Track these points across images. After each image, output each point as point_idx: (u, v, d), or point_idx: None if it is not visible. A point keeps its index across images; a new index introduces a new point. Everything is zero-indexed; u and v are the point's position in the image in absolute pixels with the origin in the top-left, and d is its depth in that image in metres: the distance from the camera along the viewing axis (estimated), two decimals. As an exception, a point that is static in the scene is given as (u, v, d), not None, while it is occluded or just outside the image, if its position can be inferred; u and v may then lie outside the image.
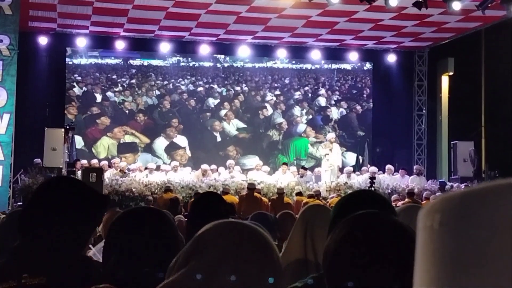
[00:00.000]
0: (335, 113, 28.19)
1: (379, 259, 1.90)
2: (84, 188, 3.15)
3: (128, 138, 25.94)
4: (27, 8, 21.26)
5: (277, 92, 28.01)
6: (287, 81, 28.12)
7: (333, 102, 28.39)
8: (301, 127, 27.87)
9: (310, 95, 28.25)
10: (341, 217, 2.16)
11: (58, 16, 22.98)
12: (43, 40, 24.70)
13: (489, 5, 19.69)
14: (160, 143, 26.24)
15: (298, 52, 27.34)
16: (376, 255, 1.91)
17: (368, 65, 28.47)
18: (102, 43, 25.73)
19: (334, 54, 27.70)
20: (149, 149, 26.04)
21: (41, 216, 2.99)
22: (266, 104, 27.84)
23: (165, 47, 25.96)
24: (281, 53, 27.02)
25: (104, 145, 25.45)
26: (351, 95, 28.41)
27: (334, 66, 28.44)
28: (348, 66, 28.51)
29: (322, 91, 28.33)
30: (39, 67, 24.64)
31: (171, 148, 26.10)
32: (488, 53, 24.82)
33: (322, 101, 28.35)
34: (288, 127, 27.76)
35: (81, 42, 25.19)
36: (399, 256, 1.86)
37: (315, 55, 27.27)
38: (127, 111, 26.21)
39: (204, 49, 26.30)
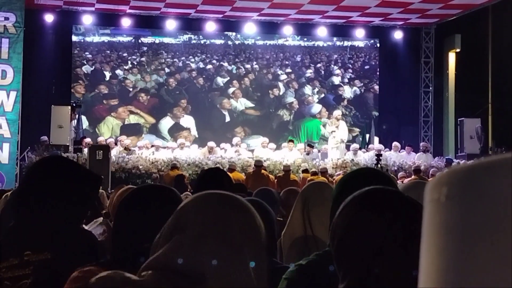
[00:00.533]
0: (348, 92, 28.02)
1: (392, 240, 1.90)
2: (76, 167, 3.18)
3: (133, 119, 25.85)
4: (33, -15, 21.25)
5: (288, 70, 27.82)
6: (298, 58, 27.94)
7: (346, 81, 28.23)
8: (314, 108, 27.58)
9: (322, 72, 28.05)
10: (344, 195, 2.15)
11: (63, -7, 22.96)
12: (49, 18, 24.66)
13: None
14: (166, 123, 26.15)
15: (304, 29, 27.25)
16: (388, 236, 1.91)
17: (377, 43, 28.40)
18: (108, 20, 25.69)
19: (341, 31, 27.61)
20: (154, 130, 25.89)
21: (36, 196, 3.02)
22: (277, 83, 27.65)
23: (171, 24, 25.90)
24: (287, 30, 26.93)
25: (108, 126, 25.39)
26: (364, 73, 28.28)
27: (346, 43, 28.26)
28: (361, 43, 28.34)
29: (335, 69, 28.12)
30: (45, 45, 24.61)
31: (175, 130, 25.90)
32: (495, 29, 24.69)
33: (335, 79, 28.16)
34: (299, 107, 27.55)
35: (87, 20, 25.15)
36: (412, 235, 1.84)
37: (321, 32, 27.18)
38: (135, 89, 26.13)
39: (210, 26, 26.23)
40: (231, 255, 1.76)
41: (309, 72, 27.94)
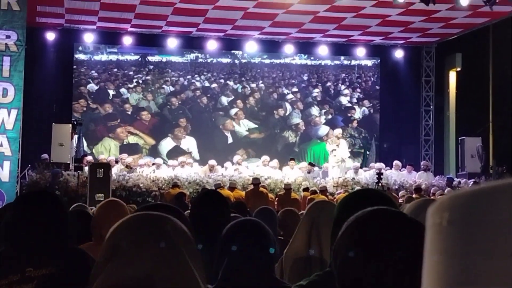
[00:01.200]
0: (357, 112, 27.85)
1: (395, 261, 1.89)
2: (57, 207, 3.34)
3: (132, 140, 25.71)
4: (35, 3, 21.30)
5: (294, 89, 27.63)
6: (305, 77, 27.78)
7: (354, 101, 28.06)
8: (321, 130, 27.15)
9: (331, 92, 27.87)
10: (345, 216, 2.15)
11: (65, 11, 23.01)
12: (50, 36, 24.74)
13: (497, 0, 19.66)
14: (166, 145, 25.93)
15: (305, 47, 27.31)
16: (392, 257, 1.90)
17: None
18: (109, 38, 25.75)
19: (342, 49, 27.66)
20: (153, 151, 25.46)
21: (22, 226, 3.19)
22: (283, 103, 27.44)
23: (172, 42, 25.96)
24: (289, 48, 26.98)
25: (106, 147, 25.14)
26: (374, 93, 28.22)
27: (353, 62, 28.19)
28: (368, 62, 28.31)
29: (343, 88, 27.92)
30: (46, 63, 24.68)
31: (175, 153, 25.24)
32: (496, 48, 24.75)
33: (343, 99, 27.91)
34: (305, 128, 27.33)
35: (89, 38, 25.22)
36: (415, 256, 1.83)
37: (322, 50, 27.24)
38: (137, 108, 26.10)
39: (212, 45, 26.29)
40: (168, 264, 1.82)
41: (316, 92, 27.76)
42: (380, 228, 1.98)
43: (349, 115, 27.74)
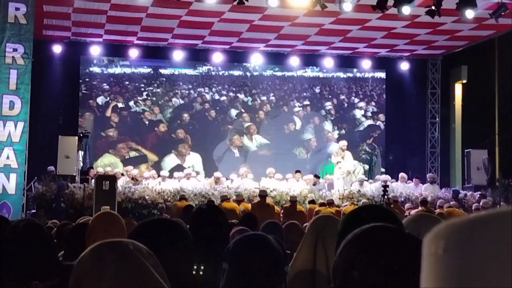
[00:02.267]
0: (371, 127, 27.63)
1: (392, 279, 1.90)
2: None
3: (133, 155, 25.55)
4: (42, 17, 21.39)
5: (306, 102, 27.40)
6: (317, 90, 27.63)
7: (369, 114, 27.95)
8: (333, 147, 25.93)
9: (345, 105, 27.67)
10: (348, 232, 2.16)
11: (72, 24, 23.10)
12: (57, 49, 24.82)
13: (502, 13, 19.66)
14: (170, 162, 25.67)
15: (310, 59, 27.32)
16: (388, 275, 1.91)
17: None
18: (116, 51, 25.82)
19: (347, 61, 27.67)
20: (156, 167, 24.74)
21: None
22: (294, 117, 27.23)
23: (178, 55, 26.01)
24: (294, 60, 26.99)
25: (106, 163, 24.79)
26: (380, 105, 28.11)
27: (367, 74, 28.06)
28: (382, 74, 28.21)
29: (356, 101, 27.74)
30: (53, 76, 24.75)
31: (178, 171, 24.13)
32: (501, 61, 24.72)
33: (357, 113, 27.71)
34: (317, 144, 27.10)
35: (95, 51, 25.29)
36: (412, 273, 1.84)
37: (328, 63, 27.25)
38: (144, 122, 26.04)
39: (217, 57, 26.33)
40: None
41: (329, 105, 27.57)
42: (377, 245, 1.99)
43: (362, 128, 27.56)
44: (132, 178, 21.62)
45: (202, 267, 3.24)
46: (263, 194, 18.88)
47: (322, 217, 4.36)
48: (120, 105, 26.02)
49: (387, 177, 23.12)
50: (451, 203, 19.69)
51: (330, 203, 19.25)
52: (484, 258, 0.82)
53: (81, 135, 21.84)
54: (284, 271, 3.19)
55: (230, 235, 4.99)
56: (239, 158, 26.40)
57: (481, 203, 19.28)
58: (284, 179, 23.04)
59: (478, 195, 21.37)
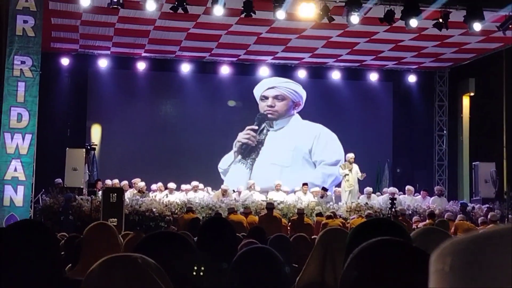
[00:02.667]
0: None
1: None
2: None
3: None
4: (50, 29, 21.49)
5: (312, 114, 27.16)
6: (324, 102, 27.37)
7: (377, 126, 27.63)
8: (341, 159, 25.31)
9: (352, 116, 27.42)
10: (356, 246, 2.16)
11: (80, 37, 23.21)
12: (65, 61, 24.94)
13: (510, 26, 19.67)
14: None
15: (318, 72, 27.32)
16: (395, 287, 1.91)
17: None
18: (123, 63, 25.88)
19: (354, 74, 27.67)
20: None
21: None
22: (301, 128, 27.05)
23: (185, 67, 26.07)
24: (301, 73, 27.02)
25: None
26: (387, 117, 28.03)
27: (375, 87, 27.88)
28: (389, 87, 28.10)
29: (365, 113, 27.60)
30: (61, 88, 24.84)
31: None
32: (509, 73, 24.65)
33: (365, 125, 27.35)
34: (324, 157, 26.93)
35: (103, 63, 25.37)
36: (419, 285, 1.84)
37: (335, 75, 27.27)
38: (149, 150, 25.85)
39: (225, 70, 26.39)
40: None
41: (335, 117, 27.29)
42: (385, 259, 1.99)
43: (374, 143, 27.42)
44: (139, 191, 21.63)
45: (209, 279, 3.24)
46: (270, 207, 18.86)
47: (331, 230, 4.34)
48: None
49: (395, 189, 23.07)
50: (458, 216, 19.61)
51: (333, 215, 19.14)
52: (490, 275, 0.82)
53: (89, 147, 21.87)
54: (287, 283, 3.19)
55: (238, 248, 4.99)
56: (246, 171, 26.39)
57: (489, 216, 19.21)
58: (292, 191, 23.03)
59: (486, 208, 21.30)
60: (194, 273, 2.84)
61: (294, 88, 27.11)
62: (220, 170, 26.27)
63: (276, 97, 27.06)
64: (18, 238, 3.23)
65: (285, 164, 26.58)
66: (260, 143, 26.84)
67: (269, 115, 26.97)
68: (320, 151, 27.02)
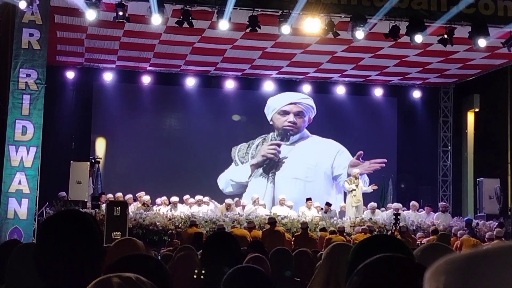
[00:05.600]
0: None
1: None
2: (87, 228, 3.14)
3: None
4: (55, 42, 21.56)
5: (319, 129, 27.13)
6: (329, 117, 27.35)
7: (382, 142, 27.54)
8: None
9: (357, 131, 27.28)
10: (358, 263, 2.16)
11: (85, 50, 23.27)
12: (70, 75, 24.99)
13: (515, 42, 19.68)
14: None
15: (322, 87, 27.32)
16: None
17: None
18: (128, 77, 25.90)
19: (359, 89, 27.67)
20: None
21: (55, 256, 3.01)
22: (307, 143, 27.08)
23: (190, 81, 26.10)
24: (306, 88, 27.01)
25: None
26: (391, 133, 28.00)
27: (379, 102, 27.90)
28: (394, 102, 28.09)
29: (369, 128, 27.46)
30: (65, 101, 24.88)
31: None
32: (514, 90, 24.70)
33: (370, 139, 27.15)
34: (329, 172, 26.80)
35: (108, 77, 25.41)
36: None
37: (340, 90, 27.27)
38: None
39: (229, 84, 26.42)
40: None
41: (341, 132, 27.21)
42: (386, 275, 1.99)
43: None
44: (143, 204, 21.63)
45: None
46: (272, 221, 18.86)
47: (337, 245, 4.33)
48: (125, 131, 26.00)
49: (399, 205, 23.05)
50: (461, 231, 19.54)
51: (341, 230, 19.20)
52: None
53: (93, 160, 21.89)
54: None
55: (244, 262, 4.99)
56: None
57: (494, 232, 19.23)
58: (296, 206, 23.03)
59: (491, 224, 21.30)
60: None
61: (312, 104, 27.03)
62: (231, 183, 26.17)
63: (298, 114, 26.94)
64: (62, 227, 3.10)
65: (308, 179, 26.51)
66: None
67: (290, 131, 26.91)
68: (342, 166, 26.91)
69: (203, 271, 3.26)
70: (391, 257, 2.10)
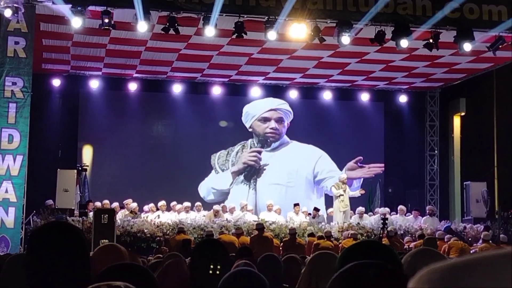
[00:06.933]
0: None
1: None
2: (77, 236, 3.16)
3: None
4: (41, 50, 21.50)
5: (304, 135, 27.03)
6: (316, 122, 27.35)
7: (369, 146, 27.47)
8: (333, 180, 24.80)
9: (343, 137, 27.24)
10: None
11: (71, 58, 23.22)
12: (56, 82, 24.91)
13: (500, 46, 19.78)
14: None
15: (309, 92, 27.35)
16: None
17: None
18: (115, 84, 25.83)
19: (346, 94, 27.71)
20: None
21: (46, 263, 3.02)
22: (293, 149, 26.93)
23: (177, 88, 26.07)
24: (293, 93, 27.03)
25: None
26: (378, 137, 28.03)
27: (366, 107, 27.88)
28: (380, 107, 28.10)
29: (356, 133, 27.39)
30: (52, 109, 24.81)
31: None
32: (499, 93, 24.81)
33: (356, 144, 27.03)
34: (317, 177, 26.79)
35: (94, 84, 25.34)
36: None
37: (327, 95, 27.30)
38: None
39: (216, 90, 26.41)
40: None
41: (327, 138, 27.17)
42: (361, 282, 2.00)
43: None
44: (131, 212, 21.58)
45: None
46: (260, 227, 18.87)
47: (318, 254, 4.37)
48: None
49: (386, 209, 23.09)
50: (446, 236, 19.55)
51: (328, 236, 19.22)
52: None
53: (80, 168, 21.82)
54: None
55: (232, 268, 4.99)
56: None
57: (481, 235, 19.29)
58: (283, 212, 23.02)
59: (478, 228, 21.39)
60: None
61: (289, 109, 27.01)
62: (212, 191, 26.13)
63: (278, 120, 26.90)
64: (52, 238, 3.12)
65: (290, 185, 26.51)
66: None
67: (271, 138, 26.90)
68: (325, 170, 26.90)
69: (219, 266, 3.27)
70: (364, 264, 2.11)
